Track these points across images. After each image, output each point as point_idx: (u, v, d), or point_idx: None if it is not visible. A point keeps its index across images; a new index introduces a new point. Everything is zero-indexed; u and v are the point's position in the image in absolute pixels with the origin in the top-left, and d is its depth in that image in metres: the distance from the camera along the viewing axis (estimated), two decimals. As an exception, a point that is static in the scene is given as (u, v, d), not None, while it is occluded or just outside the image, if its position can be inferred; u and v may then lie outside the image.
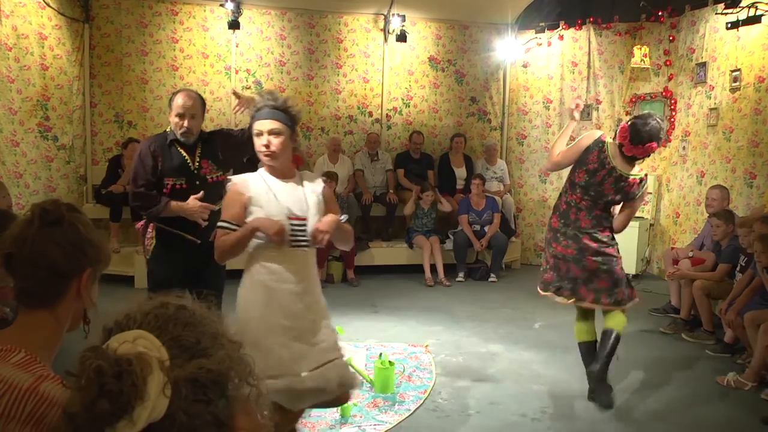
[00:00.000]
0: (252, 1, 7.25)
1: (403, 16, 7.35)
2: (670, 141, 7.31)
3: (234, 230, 2.43)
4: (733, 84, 6.19)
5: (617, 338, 3.59)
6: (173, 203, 3.23)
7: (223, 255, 2.51)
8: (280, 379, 2.33)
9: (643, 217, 7.33)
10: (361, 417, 3.47)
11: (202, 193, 3.26)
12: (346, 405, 3.46)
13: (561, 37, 7.79)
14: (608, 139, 3.68)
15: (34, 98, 6.04)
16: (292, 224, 2.43)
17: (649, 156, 3.74)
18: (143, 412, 0.75)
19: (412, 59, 7.90)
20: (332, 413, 3.50)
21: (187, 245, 3.29)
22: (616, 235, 3.71)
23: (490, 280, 6.90)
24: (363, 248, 6.86)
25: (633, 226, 7.08)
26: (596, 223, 3.61)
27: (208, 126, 7.28)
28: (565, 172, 3.85)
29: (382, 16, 7.71)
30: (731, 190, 5.73)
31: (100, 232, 1.38)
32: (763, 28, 5.79)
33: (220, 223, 2.47)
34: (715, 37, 6.52)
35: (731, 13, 5.99)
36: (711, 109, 6.54)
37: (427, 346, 4.65)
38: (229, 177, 2.60)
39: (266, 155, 2.48)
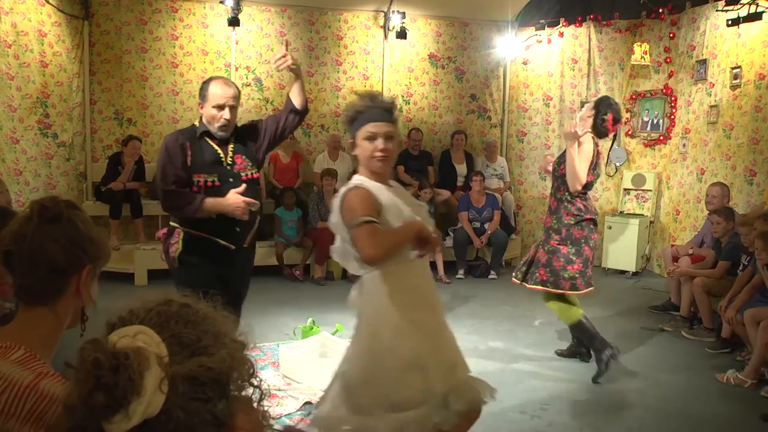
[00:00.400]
0: (252, -2, 7.25)
1: (403, 13, 7.34)
2: (670, 138, 7.31)
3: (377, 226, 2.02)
4: (734, 81, 6.18)
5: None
6: (209, 200, 2.87)
7: (385, 255, 2.02)
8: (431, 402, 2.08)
9: (643, 215, 7.34)
10: (361, 414, 3.47)
11: (244, 186, 2.92)
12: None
13: (561, 34, 7.78)
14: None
15: (33, 95, 6.03)
16: None
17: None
18: (139, 406, 0.75)
19: (412, 56, 7.89)
20: (332, 410, 3.50)
21: (219, 252, 2.96)
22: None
23: (490, 277, 6.90)
24: (363, 245, 6.85)
25: (633, 224, 7.08)
26: None
27: (208, 123, 7.31)
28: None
29: (382, 13, 7.70)
30: (731, 188, 5.73)
31: (100, 228, 1.38)
32: (764, 25, 5.77)
33: (366, 218, 2.02)
34: (716, 34, 6.51)
35: (732, 10, 5.98)
36: (711, 107, 6.54)
37: (427, 343, 4.65)
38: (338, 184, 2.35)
39: (381, 159, 2.18)
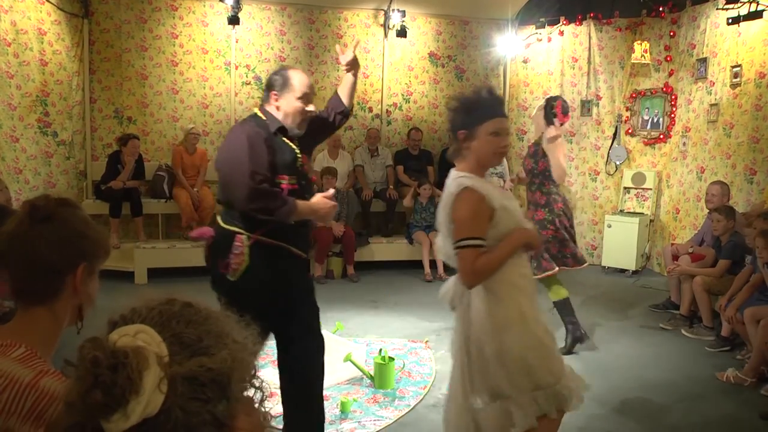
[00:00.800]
0: (252, -3, 7.25)
1: (403, 12, 7.34)
2: (670, 137, 7.31)
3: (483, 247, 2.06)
4: (734, 80, 6.18)
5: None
6: (300, 203, 2.56)
7: (484, 278, 2.07)
8: (563, 380, 2.17)
9: (643, 213, 7.34)
10: (361, 412, 3.48)
11: (332, 191, 2.73)
12: (345, 401, 3.48)
13: (561, 33, 7.77)
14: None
15: (33, 94, 6.03)
16: None
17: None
18: (137, 406, 0.75)
19: (412, 55, 7.88)
20: (332, 409, 3.51)
21: (289, 262, 2.67)
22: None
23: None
24: (363, 244, 6.86)
25: (633, 222, 7.09)
26: None
27: (208, 123, 7.31)
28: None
29: (382, 12, 7.69)
30: (731, 186, 5.73)
31: (99, 225, 1.36)
32: (764, 23, 5.77)
33: (473, 242, 2.04)
34: (716, 33, 6.51)
35: (732, 8, 5.98)
36: (711, 105, 6.53)
37: (427, 341, 4.66)
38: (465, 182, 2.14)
39: (502, 155, 2.21)
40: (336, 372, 3.86)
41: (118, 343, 0.79)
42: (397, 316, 5.38)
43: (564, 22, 7.72)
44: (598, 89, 7.74)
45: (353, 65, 2.83)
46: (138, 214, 6.54)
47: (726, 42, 6.35)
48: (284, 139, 2.64)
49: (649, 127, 7.51)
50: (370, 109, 7.85)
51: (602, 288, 6.47)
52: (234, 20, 6.98)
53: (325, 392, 3.68)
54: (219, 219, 2.66)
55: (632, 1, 7.34)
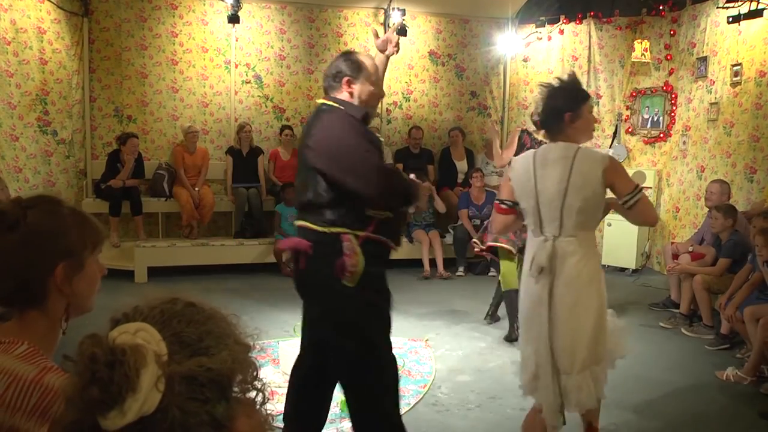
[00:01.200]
0: (251, -5, 7.24)
1: (403, 10, 7.33)
2: (670, 135, 7.31)
3: None
4: (734, 78, 6.18)
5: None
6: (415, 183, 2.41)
7: None
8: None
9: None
10: (361, 411, 3.48)
11: (413, 175, 2.59)
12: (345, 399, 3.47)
13: (561, 32, 7.77)
14: None
15: (33, 92, 6.02)
16: None
17: None
18: (134, 403, 0.75)
19: (412, 53, 7.88)
20: (332, 408, 3.50)
21: (388, 259, 2.47)
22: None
23: (490, 274, 6.90)
24: (363, 243, 6.85)
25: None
26: None
27: (208, 122, 7.31)
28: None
29: (382, 10, 7.68)
30: (732, 185, 5.73)
31: (81, 215, 1.28)
32: (765, 22, 5.77)
33: (642, 187, 2.52)
34: (716, 32, 6.51)
35: (732, 7, 5.97)
36: (711, 104, 6.53)
37: (427, 340, 4.66)
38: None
39: (593, 131, 2.62)
40: (336, 371, 3.86)
41: (118, 340, 0.79)
42: (397, 314, 5.33)
43: (564, 21, 7.71)
44: (598, 88, 7.73)
45: (387, 46, 2.69)
46: (138, 213, 6.54)
47: (726, 41, 6.34)
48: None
49: (649, 125, 7.50)
50: (370, 108, 7.84)
51: (602, 287, 6.47)
52: (234, 19, 6.98)
53: (325, 391, 3.69)
54: (308, 223, 2.34)
55: (632, 0, 7.34)
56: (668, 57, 7.24)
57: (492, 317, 5.17)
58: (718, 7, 6.38)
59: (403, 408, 3.54)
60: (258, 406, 0.91)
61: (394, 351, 2.51)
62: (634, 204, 2.39)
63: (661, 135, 7.39)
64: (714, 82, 6.53)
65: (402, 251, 7.69)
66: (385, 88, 8.33)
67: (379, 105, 7.82)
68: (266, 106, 7.48)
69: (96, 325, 0.84)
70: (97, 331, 0.83)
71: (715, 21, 6.52)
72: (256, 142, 7.25)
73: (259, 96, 7.45)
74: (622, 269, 7.17)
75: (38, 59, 6.09)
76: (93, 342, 0.78)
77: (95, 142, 7.03)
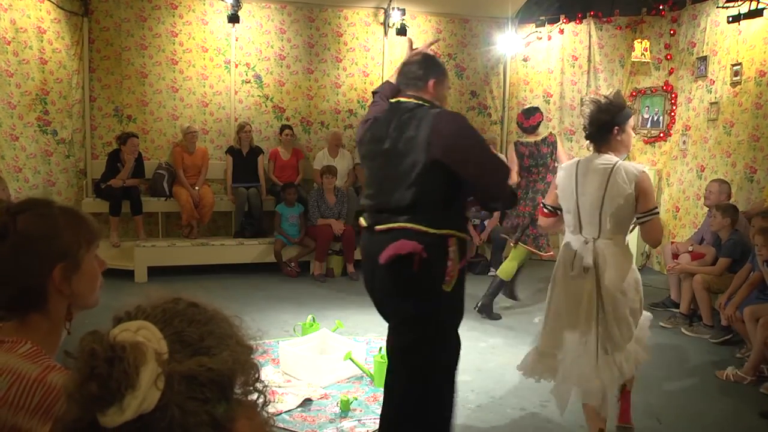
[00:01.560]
0: (251, -5, 7.24)
1: (403, 10, 7.33)
2: (670, 135, 7.31)
3: None
4: (734, 78, 6.18)
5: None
6: None
7: None
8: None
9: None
10: (361, 411, 3.48)
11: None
12: (346, 399, 3.48)
13: (561, 31, 7.77)
14: None
15: (33, 92, 6.02)
16: None
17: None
18: (133, 401, 0.75)
19: (412, 53, 7.86)
20: (332, 407, 3.51)
21: None
22: None
23: (489, 274, 6.89)
24: (363, 242, 6.85)
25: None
26: None
27: (208, 121, 7.30)
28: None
29: (382, 10, 7.68)
30: (732, 185, 5.73)
31: (73, 213, 1.26)
32: (765, 21, 5.77)
33: (657, 210, 2.81)
34: (716, 31, 6.50)
35: (732, 6, 5.97)
36: (711, 104, 6.53)
37: (427, 340, 4.65)
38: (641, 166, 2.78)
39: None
40: (336, 370, 3.87)
41: (118, 337, 0.79)
42: (397, 314, 5.37)
43: (564, 21, 7.71)
44: (598, 88, 7.72)
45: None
46: (138, 213, 6.54)
47: (726, 40, 6.34)
48: None
49: (649, 125, 7.50)
50: (370, 108, 7.84)
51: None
52: (234, 18, 6.97)
53: (325, 390, 3.70)
54: (413, 225, 2.32)
55: (632, 0, 7.33)
56: (668, 57, 7.24)
57: (486, 309, 5.28)
58: (718, 7, 6.38)
59: (403, 407, 3.54)
60: (259, 409, 0.91)
61: (382, 345, 3.03)
62: (645, 223, 2.77)
63: (661, 135, 7.39)
64: (714, 81, 6.53)
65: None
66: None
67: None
68: (266, 106, 7.47)
69: (99, 324, 0.85)
70: (100, 329, 0.84)
71: (715, 20, 6.52)
72: (256, 141, 7.25)
73: (259, 96, 7.44)
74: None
75: (38, 59, 6.09)
76: (93, 338, 0.78)
77: (95, 141, 7.02)
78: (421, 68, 2.51)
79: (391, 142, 2.42)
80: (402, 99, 2.50)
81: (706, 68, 6.66)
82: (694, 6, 6.88)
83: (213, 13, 7.19)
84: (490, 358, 4.37)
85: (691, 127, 6.91)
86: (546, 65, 7.89)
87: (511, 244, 5.32)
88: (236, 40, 7.28)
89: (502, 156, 2.44)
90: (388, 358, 2.62)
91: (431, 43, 2.88)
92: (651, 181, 2.77)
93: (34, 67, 6.03)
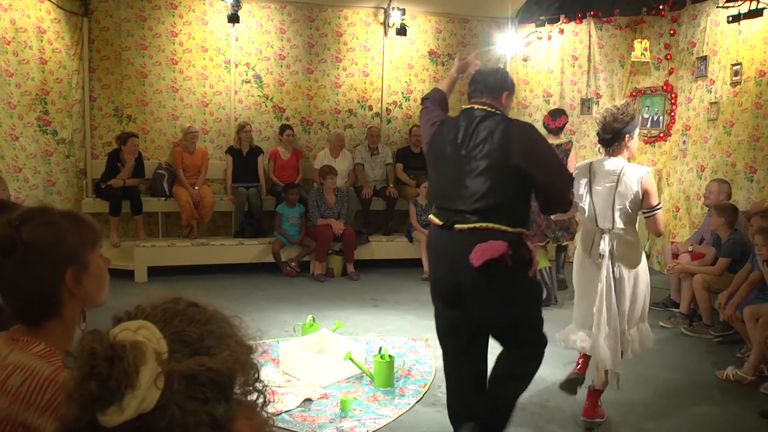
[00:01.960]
0: (251, -5, 7.24)
1: (403, 10, 7.33)
2: (670, 135, 7.31)
3: None
4: (734, 78, 6.18)
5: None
6: None
7: None
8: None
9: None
10: (361, 411, 3.48)
11: None
12: (346, 399, 3.48)
13: (561, 31, 7.76)
14: None
15: (33, 92, 6.02)
16: None
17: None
18: (133, 400, 0.75)
19: (412, 53, 7.88)
20: (332, 407, 3.51)
21: None
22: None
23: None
24: (363, 242, 6.86)
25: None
26: None
27: (208, 121, 7.30)
28: None
29: (382, 10, 7.68)
30: (732, 185, 5.73)
31: (73, 216, 1.30)
32: (765, 21, 5.77)
33: (660, 206, 3.22)
34: (716, 31, 6.51)
35: (732, 6, 5.97)
36: (711, 103, 6.53)
37: (427, 340, 4.66)
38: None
39: None
40: (336, 370, 3.87)
41: (118, 336, 0.79)
42: (397, 314, 5.38)
43: (564, 21, 7.71)
44: (598, 87, 7.73)
45: (467, 69, 3.09)
46: (138, 213, 6.54)
47: (726, 40, 6.34)
48: None
49: (649, 125, 7.50)
50: (370, 108, 7.85)
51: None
52: (234, 18, 6.97)
53: (325, 390, 3.71)
54: (495, 225, 2.55)
55: (632, 0, 7.33)
56: (668, 56, 7.24)
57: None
58: (718, 7, 6.38)
59: (404, 407, 3.55)
60: (259, 408, 0.91)
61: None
62: (650, 217, 3.23)
63: (661, 134, 7.39)
64: (714, 81, 6.53)
65: (402, 251, 7.70)
66: (384, 87, 8.32)
67: (379, 104, 7.85)
68: (266, 106, 7.48)
69: (99, 324, 0.85)
70: (100, 329, 0.84)
71: (715, 20, 6.52)
72: (256, 141, 7.25)
73: (258, 95, 7.44)
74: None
75: (38, 59, 6.09)
76: (93, 337, 0.78)
77: (95, 141, 7.02)
78: (498, 80, 2.78)
79: (468, 146, 2.63)
80: (476, 106, 2.73)
81: (706, 68, 6.66)
82: (694, 6, 6.88)
83: (213, 13, 7.19)
84: (489, 358, 4.36)
85: (691, 126, 6.91)
86: (546, 65, 7.89)
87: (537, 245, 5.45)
88: (236, 40, 7.28)
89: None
90: (496, 335, 2.89)
91: (475, 56, 3.26)
92: (654, 181, 3.19)
93: (34, 67, 6.03)
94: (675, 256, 5.50)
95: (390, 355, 3.89)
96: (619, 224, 3.18)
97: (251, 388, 0.89)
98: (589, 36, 7.66)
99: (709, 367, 4.25)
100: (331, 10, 7.57)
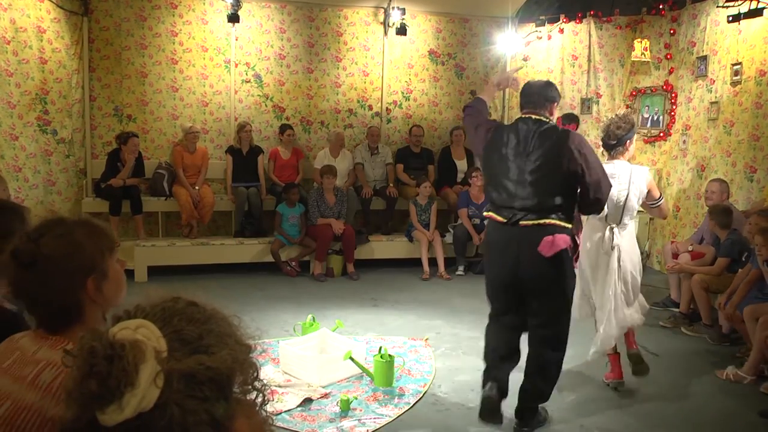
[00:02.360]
0: (251, -6, 7.24)
1: (403, 10, 7.33)
2: (670, 135, 7.31)
3: None
4: (734, 77, 6.18)
5: None
6: None
7: None
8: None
9: (643, 211, 7.32)
10: (361, 410, 3.48)
11: None
12: (346, 398, 3.48)
13: (561, 31, 7.76)
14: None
15: (32, 92, 6.02)
16: None
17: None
18: (132, 398, 0.75)
19: (412, 53, 7.87)
20: (332, 407, 3.51)
21: None
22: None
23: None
24: (363, 242, 6.86)
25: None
26: None
27: (208, 121, 7.30)
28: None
29: (382, 10, 7.68)
30: (731, 184, 5.73)
31: (89, 225, 1.35)
32: (765, 21, 5.77)
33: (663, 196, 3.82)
34: (716, 31, 6.50)
35: (732, 6, 5.97)
36: (712, 103, 6.53)
37: (427, 339, 4.66)
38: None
39: None
40: (336, 370, 3.87)
41: (118, 335, 0.79)
42: (397, 314, 5.38)
43: (564, 20, 7.71)
44: (598, 87, 7.73)
45: (507, 83, 3.59)
46: (138, 212, 6.54)
47: (726, 40, 6.34)
48: None
49: (649, 125, 7.50)
50: (370, 107, 7.84)
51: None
52: (234, 18, 6.97)
53: (325, 390, 3.71)
54: (556, 221, 3.03)
55: (632, 0, 7.34)
56: (668, 56, 7.24)
57: None
58: (718, 6, 6.38)
59: (404, 407, 3.55)
60: (258, 407, 0.91)
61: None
62: (658, 206, 3.84)
63: (661, 134, 7.39)
64: (714, 81, 6.53)
65: (402, 250, 7.69)
66: (384, 87, 8.31)
67: (379, 104, 7.85)
68: (266, 106, 7.47)
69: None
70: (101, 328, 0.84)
71: (715, 20, 6.51)
72: (256, 141, 7.25)
73: (259, 95, 7.44)
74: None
75: (38, 58, 6.08)
76: (93, 336, 0.78)
77: (95, 141, 7.02)
78: (550, 93, 3.22)
79: (528, 152, 3.05)
80: (533, 116, 3.14)
81: (706, 68, 6.65)
82: (694, 5, 6.87)
83: (213, 13, 7.18)
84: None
85: (691, 126, 6.91)
86: (546, 65, 7.89)
87: None
88: (236, 40, 7.28)
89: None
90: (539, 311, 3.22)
91: (514, 71, 3.88)
92: (653, 181, 3.80)
93: (34, 66, 6.02)
94: (675, 255, 5.50)
95: (390, 355, 3.89)
96: (625, 219, 3.65)
97: (250, 386, 0.89)
98: (589, 36, 7.66)
99: (709, 366, 4.25)
100: (331, 9, 7.56)
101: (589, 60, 7.70)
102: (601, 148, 3.95)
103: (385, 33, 7.73)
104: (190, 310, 0.88)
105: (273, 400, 3.43)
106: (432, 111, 8.04)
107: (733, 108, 6.22)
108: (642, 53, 7.24)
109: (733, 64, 6.19)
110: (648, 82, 7.45)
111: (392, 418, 3.41)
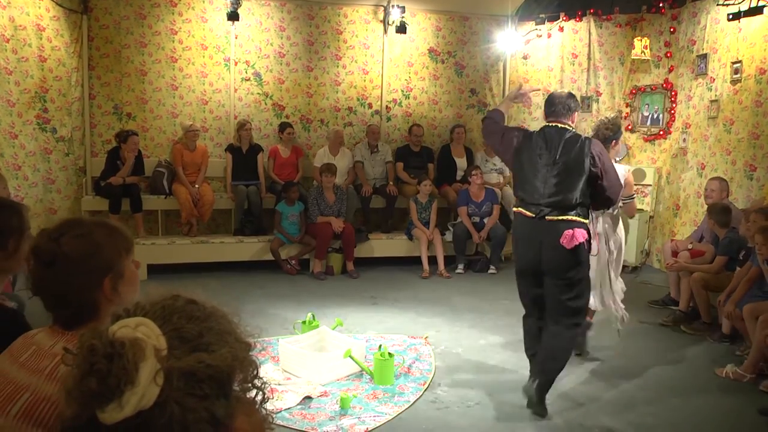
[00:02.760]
0: (251, -8, 7.23)
1: (403, 8, 7.32)
2: (670, 133, 7.31)
3: None
4: (734, 76, 6.17)
5: None
6: None
7: None
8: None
9: (643, 210, 7.33)
10: (360, 408, 3.49)
11: None
12: (345, 396, 3.49)
13: (561, 29, 7.76)
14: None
15: (32, 90, 6.01)
16: None
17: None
18: (132, 397, 0.75)
19: (411, 51, 7.87)
20: (332, 405, 3.51)
21: None
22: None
23: (489, 272, 6.90)
24: (362, 240, 6.86)
25: (633, 218, 7.08)
26: None
27: (207, 119, 7.30)
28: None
29: (382, 8, 7.67)
30: (731, 183, 5.73)
31: (104, 226, 1.42)
32: (765, 19, 5.76)
33: (634, 196, 4.39)
34: (717, 29, 6.50)
35: (732, 4, 5.97)
36: (712, 101, 6.53)
37: (426, 337, 4.66)
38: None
39: None
40: (336, 368, 3.87)
41: (117, 333, 0.79)
42: (397, 312, 5.38)
43: (564, 18, 7.70)
44: (598, 85, 7.72)
45: (522, 100, 3.95)
46: (137, 210, 6.53)
47: (726, 38, 6.34)
48: None
49: (649, 123, 7.50)
50: (370, 105, 7.84)
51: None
52: (233, 16, 6.96)
53: (324, 388, 3.71)
54: (575, 217, 3.36)
55: (632, -3, 7.34)
56: (668, 54, 7.24)
57: None
58: (718, 5, 6.37)
59: (403, 405, 3.56)
60: (258, 405, 0.91)
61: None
62: (626, 203, 4.16)
63: (661, 132, 7.39)
64: (714, 79, 6.52)
65: (402, 249, 7.68)
66: (384, 85, 8.30)
67: (379, 102, 7.84)
68: (266, 104, 7.47)
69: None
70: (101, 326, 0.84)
71: (715, 18, 6.51)
72: (256, 139, 7.24)
73: (258, 93, 7.44)
74: (622, 266, 7.15)
75: (37, 56, 6.08)
76: (93, 334, 0.78)
77: (94, 139, 7.01)
78: (572, 103, 3.55)
79: (555, 156, 3.39)
80: (558, 125, 3.49)
81: (706, 66, 6.65)
82: (694, 3, 6.87)
83: (212, 11, 7.17)
84: (489, 356, 4.38)
85: (691, 124, 6.90)
86: (546, 63, 7.89)
87: None
88: (236, 38, 7.27)
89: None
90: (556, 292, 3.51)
91: (531, 90, 4.03)
92: (632, 177, 4.29)
93: (33, 64, 6.02)
94: (675, 254, 5.50)
95: (390, 353, 3.89)
96: (611, 209, 4.04)
97: (250, 384, 0.89)
98: (589, 34, 7.66)
99: (708, 365, 4.26)
100: (330, 7, 7.55)
101: (589, 58, 7.70)
102: None
103: (385, 31, 7.73)
104: (189, 308, 0.88)
105: (273, 398, 3.42)
106: (432, 109, 8.03)
107: (733, 106, 6.22)
108: (642, 51, 7.23)
109: (733, 63, 6.18)
110: (648, 80, 7.45)
111: (392, 417, 3.42)
